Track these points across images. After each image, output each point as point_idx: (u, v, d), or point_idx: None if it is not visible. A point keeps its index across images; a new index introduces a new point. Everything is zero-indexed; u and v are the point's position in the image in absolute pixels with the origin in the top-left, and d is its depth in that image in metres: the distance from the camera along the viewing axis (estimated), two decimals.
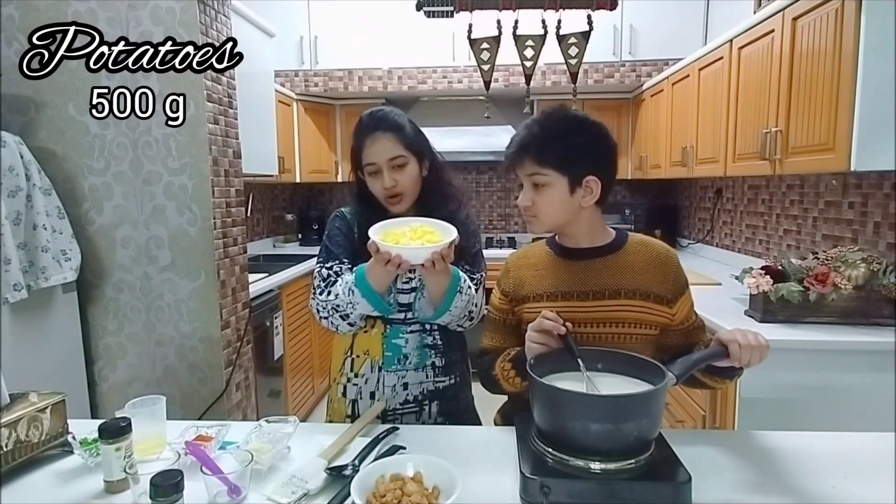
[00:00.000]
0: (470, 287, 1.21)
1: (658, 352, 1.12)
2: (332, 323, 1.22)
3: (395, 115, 1.26)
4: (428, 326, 1.28)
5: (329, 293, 1.21)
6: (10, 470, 0.93)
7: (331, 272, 1.25)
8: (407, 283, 1.26)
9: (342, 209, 1.35)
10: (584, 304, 1.10)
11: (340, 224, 1.31)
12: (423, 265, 1.06)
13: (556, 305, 1.10)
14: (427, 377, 1.27)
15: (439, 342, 1.29)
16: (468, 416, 1.35)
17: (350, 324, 1.22)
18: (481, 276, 1.32)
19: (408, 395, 1.26)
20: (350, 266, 1.24)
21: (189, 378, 1.98)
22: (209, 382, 1.97)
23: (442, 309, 1.19)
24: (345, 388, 1.31)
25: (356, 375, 1.29)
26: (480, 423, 1.35)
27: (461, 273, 1.19)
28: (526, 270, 1.18)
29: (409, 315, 1.26)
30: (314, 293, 1.25)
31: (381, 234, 1.08)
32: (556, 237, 1.19)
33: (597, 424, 0.81)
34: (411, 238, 1.09)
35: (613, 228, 1.17)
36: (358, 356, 1.29)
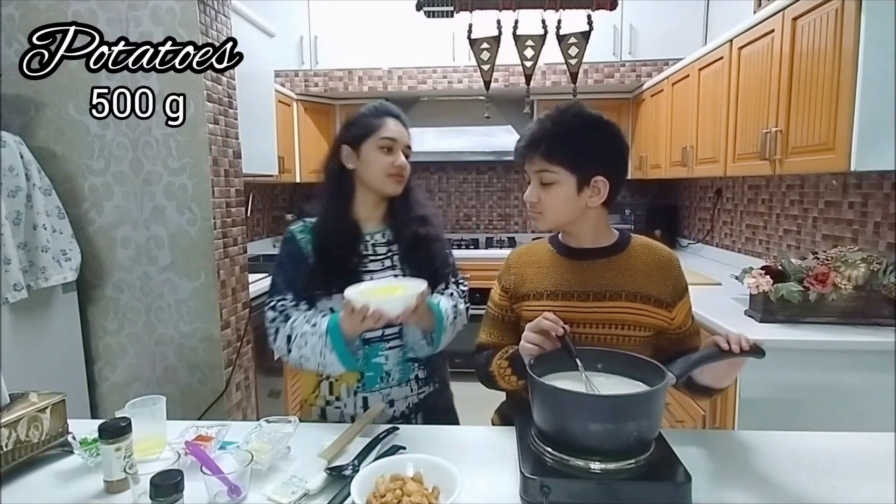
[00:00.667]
0: (457, 314, 1.25)
1: (653, 355, 1.12)
2: (298, 366, 1.20)
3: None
4: None
5: (290, 350, 1.16)
6: (10, 470, 0.93)
7: (276, 312, 1.21)
8: None
9: (292, 229, 1.27)
10: (584, 305, 1.10)
11: (290, 250, 1.25)
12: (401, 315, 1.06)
13: (555, 304, 1.10)
14: (412, 391, 1.26)
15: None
16: (448, 417, 1.35)
17: (312, 370, 1.19)
18: (467, 284, 1.37)
19: (394, 411, 1.24)
20: (295, 303, 1.21)
21: (189, 378, 1.98)
22: (209, 382, 1.97)
23: (436, 347, 1.23)
24: (323, 410, 1.28)
25: (337, 399, 1.26)
26: (458, 421, 1.36)
27: (443, 307, 1.20)
28: (528, 268, 1.18)
29: (388, 331, 1.23)
30: (268, 334, 1.22)
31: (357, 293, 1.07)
32: (560, 236, 1.19)
33: (597, 424, 0.81)
34: (386, 295, 1.08)
35: (616, 229, 1.17)
36: (336, 379, 1.26)
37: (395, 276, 1.26)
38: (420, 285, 1.08)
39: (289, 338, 1.17)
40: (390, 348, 1.24)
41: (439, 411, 1.31)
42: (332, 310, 1.20)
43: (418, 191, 1.35)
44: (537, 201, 1.09)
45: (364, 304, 1.02)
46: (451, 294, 1.31)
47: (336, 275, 1.19)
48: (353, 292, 1.06)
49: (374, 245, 1.27)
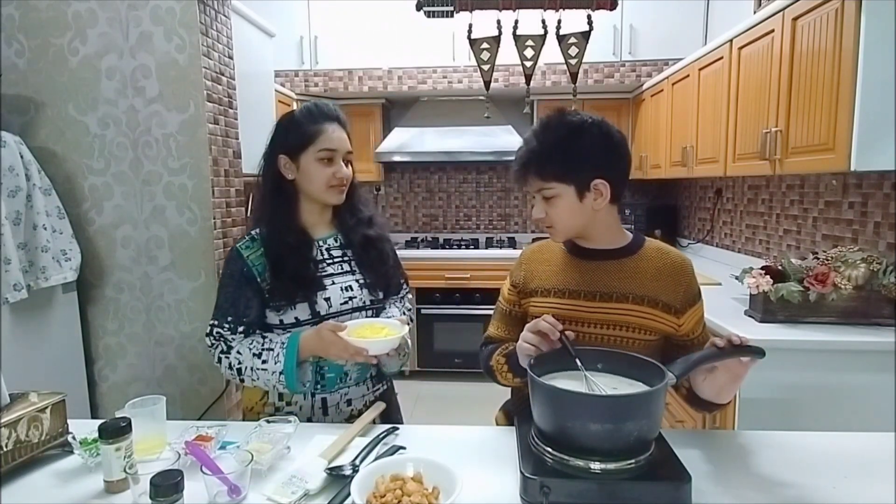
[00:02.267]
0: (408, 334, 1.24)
1: (660, 361, 1.11)
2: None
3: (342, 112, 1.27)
4: None
5: (242, 381, 1.18)
6: (10, 470, 0.93)
7: (213, 339, 1.20)
8: (346, 302, 1.25)
9: (238, 246, 1.23)
10: (590, 305, 1.10)
11: (234, 269, 1.21)
12: (387, 354, 1.17)
13: (561, 302, 1.11)
14: (368, 389, 1.28)
15: None
16: (396, 412, 1.36)
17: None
18: (409, 285, 1.45)
19: (352, 409, 1.26)
20: (232, 329, 1.18)
21: (189, 378, 1.98)
22: (209, 382, 1.97)
23: (405, 362, 1.28)
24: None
25: (288, 404, 1.24)
26: (402, 419, 1.36)
27: (407, 337, 1.20)
28: (538, 265, 1.19)
29: None
30: (211, 354, 1.21)
31: (345, 333, 1.13)
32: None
33: (597, 424, 0.81)
34: (372, 335, 1.15)
35: (630, 232, 1.17)
36: None
37: (357, 280, 1.27)
38: (402, 328, 1.15)
39: (239, 370, 1.17)
40: None
41: (391, 406, 1.33)
42: (297, 319, 1.20)
43: (361, 190, 1.35)
44: (545, 216, 1.09)
45: (359, 345, 1.09)
46: (408, 308, 1.39)
47: (297, 284, 1.19)
48: (346, 332, 1.11)
49: (328, 250, 1.28)
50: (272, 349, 1.15)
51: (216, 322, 1.20)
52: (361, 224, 1.31)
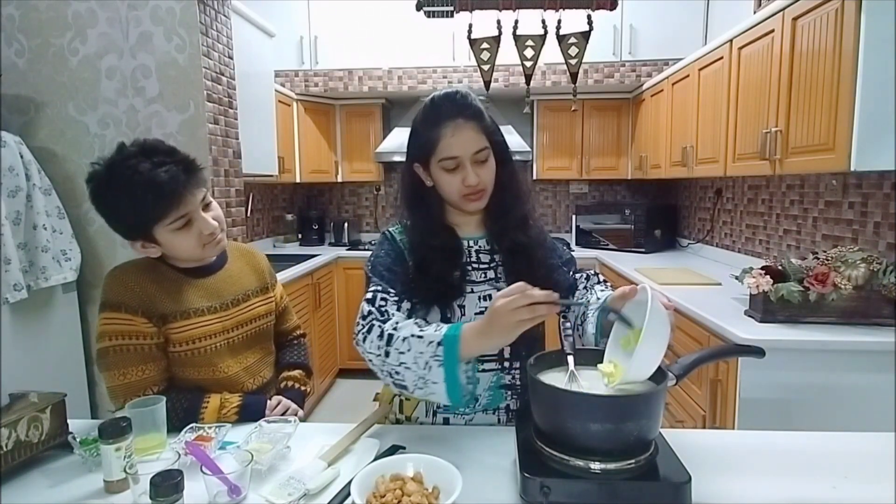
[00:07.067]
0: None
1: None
2: (382, 378, 1.01)
3: (473, 98, 1.08)
4: (506, 364, 1.12)
5: (387, 353, 0.95)
6: (10, 470, 0.93)
7: (372, 307, 1.03)
8: (480, 313, 1.10)
9: (390, 230, 1.15)
10: (232, 311, 1.23)
11: (389, 249, 1.11)
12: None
13: (211, 318, 1.20)
14: (499, 421, 1.13)
15: (518, 383, 1.13)
16: None
17: (403, 388, 0.97)
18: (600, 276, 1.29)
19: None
20: (398, 300, 1.05)
21: None
22: None
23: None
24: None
25: (407, 419, 1.15)
26: None
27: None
28: (153, 290, 1.15)
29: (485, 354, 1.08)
30: (356, 333, 1.02)
31: None
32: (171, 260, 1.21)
33: (597, 424, 0.81)
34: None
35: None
36: (408, 398, 1.14)
37: (498, 289, 1.07)
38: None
39: (389, 338, 0.96)
40: (483, 370, 1.11)
41: None
42: (425, 321, 1.05)
43: (514, 184, 1.15)
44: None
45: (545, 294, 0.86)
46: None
47: (439, 287, 1.08)
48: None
49: (477, 252, 1.15)
50: (435, 325, 0.98)
51: (380, 289, 1.05)
52: (510, 228, 1.14)
